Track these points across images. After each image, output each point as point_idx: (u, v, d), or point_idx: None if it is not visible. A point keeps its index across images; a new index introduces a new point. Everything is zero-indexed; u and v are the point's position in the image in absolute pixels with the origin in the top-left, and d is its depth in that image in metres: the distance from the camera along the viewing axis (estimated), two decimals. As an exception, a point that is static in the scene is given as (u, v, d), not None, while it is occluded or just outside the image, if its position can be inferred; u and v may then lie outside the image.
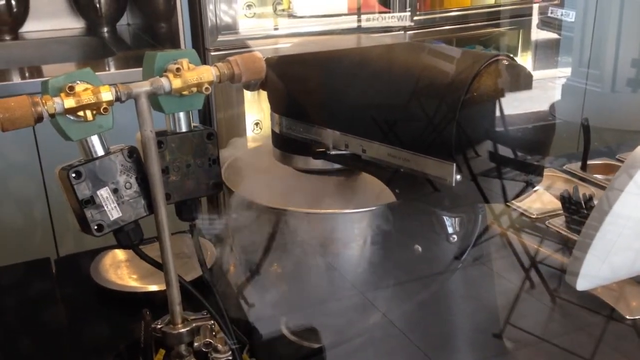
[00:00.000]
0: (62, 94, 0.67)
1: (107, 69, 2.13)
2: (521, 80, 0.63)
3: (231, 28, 2.06)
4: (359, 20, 2.32)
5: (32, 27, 2.45)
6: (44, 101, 0.65)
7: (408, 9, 2.30)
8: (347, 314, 0.85)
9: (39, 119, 0.65)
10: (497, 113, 0.60)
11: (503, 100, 0.60)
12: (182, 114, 0.77)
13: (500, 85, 0.60)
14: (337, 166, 0.81)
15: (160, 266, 0.76)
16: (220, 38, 2.04)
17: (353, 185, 0.84)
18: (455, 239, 0.69)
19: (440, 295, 0.86)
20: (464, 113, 0.60)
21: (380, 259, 0.76)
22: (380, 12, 2.34)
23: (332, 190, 0.86)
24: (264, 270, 0.84)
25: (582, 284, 0.81)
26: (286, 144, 0.81)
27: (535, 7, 3.20)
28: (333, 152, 0.73)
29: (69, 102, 0.67)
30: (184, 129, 0.77)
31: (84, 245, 1.12)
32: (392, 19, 2.30)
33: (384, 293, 0.79)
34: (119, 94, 0.69)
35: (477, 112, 0.61)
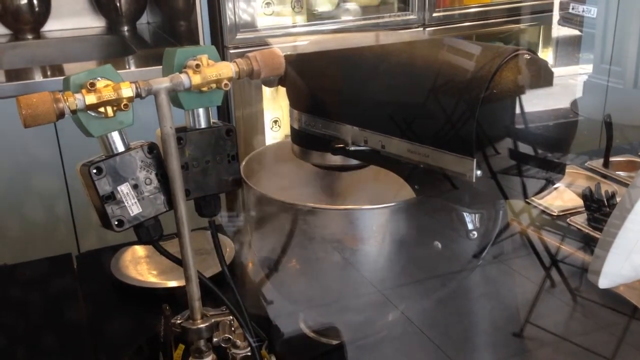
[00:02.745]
0: (84, 90, 0.67)
1: (127, 67, 2.14)
2: (542, 75, 0.62)
3: (250, 26, 2.06)
4: (377, 17, 2.32)
5: (53, 26, 2.47)
6: (65, 97, 0.66)
7: (418, 6, 2.29)
8: (366, 311, 0.85)
9: (61, 115, 0.66)
10: (518, 109, 0.60)
11: (524, 96, 0.59)
12: (201, 110, 0.77)
13: (522, 80, 0.59)
14: (355, 162, 0.80)
15: (180, 262, 0.77)
16: (239, 36, 2.04)
17: (371, 182, 0.84)
18: (475, 236, 0.68)
19: (460, 293, 0.85)
20: (484, 108, 0.60)
21: (399, 256, 0.76)
22: (399, 9, 2.33)
23: (350, 186, 0.86)
24: (282, 266, 0.84)
25: (604, 282, 0.80)
26: (305, 140, 0.81)
27: (556, 3, 3.18)
28: (352, 148, 0.73)
29: (90, 99, 0.67)
30: (203, 125, 0.78)
31: (105, 241, 1.13)
32: (411, 15, 2.29)
33: (403, 290, 0.79)
34: (139, 90, 0.69)
35: (497, 108, 0.60)
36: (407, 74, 0.68)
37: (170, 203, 0.76)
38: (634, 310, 0.96)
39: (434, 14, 2.27)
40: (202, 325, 0.78)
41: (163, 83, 0.71)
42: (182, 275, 0.96)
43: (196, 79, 0.71)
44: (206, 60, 0.73)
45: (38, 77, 1.97)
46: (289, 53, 0.76)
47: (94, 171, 0.71)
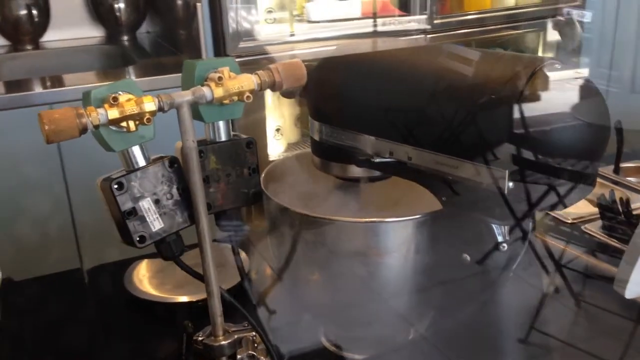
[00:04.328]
0: (106, 105, 0.66)
1: (127, 77, 2.13)
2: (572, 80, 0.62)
3: (252, 34, 2.05)
4: (375, 25, 2.31)
5: (52, 36, 2.46)
6: (88, 112, 0.65)
7: (425, 12, 2.29)
8: (389, 325, 0.84)
9: (84, 130, 0.65)
10: (550, 118, 0.59)
11: (554, 105, 0.58)
12: (221, 123, 0.76)
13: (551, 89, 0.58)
14: (377, 174, 0.79)
15: (201, 277, 0.76)
16: (242, 44, 2.03)
17: (393, 193, 0.83)
18: (506, 248, 0.67)
19: (464, 301, 0.84)
20: (516, 119, 0.59)
21: (424, 269, 0.75)
22: (399, 16, 2.33)
23: (371, 197, 0.85)
24: (304, 279, 0.83)
25: (631, 292, 0.79)
26: (326, 152, 0.80)
27: (553, 8, 3.18)
28: (377, 160, 0.72)
29: (113, 113, 0.66)
30: (223, 138, 0.77)
31: (109, 255, 1.12)
32: (412, 22, 2.29)
33: (429, 304, 0.78)
34: (161, 104, 0.68)
35: (530, 118, 0.59)
36: (436, 84, 0.67)
37: (192, 218, 0.74)
38: (639, 315, 0.96)
39: (436, 21, 2.27)
40: (224, 342, 0.77)
41: (185, 96, 0.70)
42: (198, 290, 0.95)
43: (218, 92, 0.70)
44: (227, 72, 0.72)
45: (38, 89, 1.95)
46: (309, 63, 0.75)
47: (115, 186, 0.70)
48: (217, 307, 0.76)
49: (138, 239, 0.72)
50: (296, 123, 2.32)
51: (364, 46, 0.83)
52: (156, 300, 0.99)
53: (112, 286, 1.05)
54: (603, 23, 3.40)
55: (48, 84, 2.06)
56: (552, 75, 0.64)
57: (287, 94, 0.76)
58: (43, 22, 2.40)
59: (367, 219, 0.74)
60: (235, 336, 0.78)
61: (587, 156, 0.62)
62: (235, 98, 0.72)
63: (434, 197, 0.77)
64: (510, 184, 0.61)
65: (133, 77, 2.14)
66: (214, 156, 0.75)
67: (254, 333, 0.79)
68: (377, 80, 0.73)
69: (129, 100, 0.67)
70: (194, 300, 0.97)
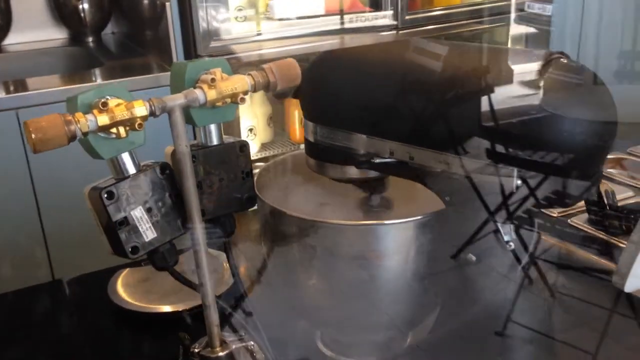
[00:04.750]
0: (95, 111, 0.63)
1: (94, 79, 2.08)
2: (583, 79, 0.61)
3: (223, 33, 2.02)
4: (343, 22, 2.29)
5: (14, 39, 2.39)
6: (76, 119, 0.61)
7: (391, 9, 2.28)
8: (388, 330, 0.82)
9: (73, 138, 0.62)
10: (561, 115, 0.58)
11: (564, 101, 0.57)
12: (213, 126, 0.73)
13: (562, 85, 0.57)
14: (373, 174, 0.78)
15: (196, 287, 0.73)
16: (213, 44, 2.00)
17: (390, 193, 0.82)
18: (512, 247, 0.66)
19: (440, 295, 0.82)
20: (524, 116, 0.58)
21: (428, 271, 0.73)
22: (370, 12, 2.32)
23: (367, 199, 0.83)
24: (300, 284, 0.80)
25: (630, 286, 0.79)
26: (321, 153, 0.78)
27: (513, 2, 3.21)
28: (377, 160, 0.70)
29: (103, 119, 0.63)
30: (214, 142, 0.74)
31: (82, 266, 1.08)
32: (380, 18, 2.28)
33: (431, 308, 0.76)
34: (153, 108, 0.65)
35: (539, 115, 0.58)
36: (438, 82, 0.65)
37: (185, 225, 0.71)
38: (615, 304, 0.96)
39: (407, 17, 2.27)
40: (222, 354, 0.74)
41: (177, 100, 0.67)
42: (187, 298, 0.92)
43: (211, 94, 0.68)
44: (220, 73, 0.69)
45: (1, 94, 1.88)
46: (302, 63, 0.73)
47: (105, 196, 0.67)
48: (213, 318, 0.74)
49: (130, 249, 0.69)
50: (269, 123, 2.29)
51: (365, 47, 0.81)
52: (144, 311, 0.95)
53: (96, 298, 1.01)
54: (564, 16, 3.45)
55: (11, 88, 1.99)
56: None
57: (279, 95, 0.73)
58: (4, 25, 2.32)
59: (368, 222, 0.72)
60: (233, 346, 0.75)
61: (596, 152, 0.61)
62: (229, 100, 0.69)
63: (430, 198, 0.76)
64: (518, 181, 0.59)
65: (100, 80, 2.09)
66: (207, 161, 0.73)
67: (252, 342, 0.76)
68: (375, 78, 0.71)
69: (118, 105, 0.64)
70: (184, 309, 0.94)
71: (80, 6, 2.38)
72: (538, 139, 0.59)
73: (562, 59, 0.60)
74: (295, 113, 2.26)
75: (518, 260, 0.69)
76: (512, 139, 0.62)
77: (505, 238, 0.66)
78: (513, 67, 0.60)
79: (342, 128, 0.73)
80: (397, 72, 0.70)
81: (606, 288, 0.95)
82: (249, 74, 0.70)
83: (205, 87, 0.67)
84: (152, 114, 0.65)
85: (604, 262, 1.02)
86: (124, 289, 1.01)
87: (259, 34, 2.16)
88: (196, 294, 0.73)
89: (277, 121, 2.35)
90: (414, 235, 0.73)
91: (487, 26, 2.72)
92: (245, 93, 0.69)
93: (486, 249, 0.75)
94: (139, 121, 0.64)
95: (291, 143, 2.30)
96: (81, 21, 2.40)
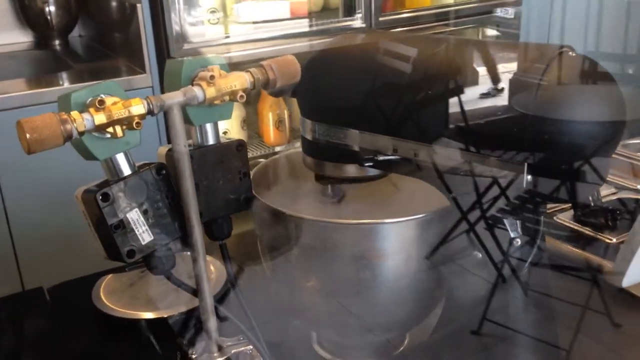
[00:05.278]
0: (92, 109, 0.60)
1: (61, 83, 2.03)
2: (591, 71, 0.60)
3: (197, 35, 1.99)
4: (322, 24, 2.29)
5: (-22, 42, 2.32)
6: (72, 118, 0.59)
7: (359, 11, 2.29)
8: (388, 331, 0.81)
9: (68, 137, 0.59)
10: (569, 108, 0.57)
11: (575, 94, 0.57)
12: (209, 126, 0.71)
13: (572, 77, 0.57)
14: (372, 173, 0.76)
15: (195, 292, 0.71)
16: (186, 46, 1.97)
17: (388, 192, 0.81)
18: (519, 243, 0.66)
19: (414, 296, 0.81)
20: (535, 109, 0.57)
21: (431, 269, 0.72)
22: (343, 15, 2.32)
23: (365, 198, 0.82)
24: (297, 284, 0.79)
25: (627, 282, 0.79)
26: (319, 151, 0.76)
27: (481, 5, 3.25)
28: (381, 158, 0.69)
29: (100, 118, 0.60)
30: (211, 142, 0.72)
31: (54, 274, 1.05)
32: (357, 20, 2.28)
33: (432, 309, 0.75)
34: (151, 106, 0.63)
35: (549, 108, 0.57)
36: (444, 76, 0.64)
37: (183, 228, 0.69)
38: (587, 300, 0.97)
39: (380, 19, 2.27)
40: (220, 359, 0.72)
41: (176, 98, 0.64)
42: (177, 302, 0.90)
43: (210, 92, 0.66)
44: (219, 70, 0.67)
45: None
46: (301, 60, 0.71)
47: (101, 198, 0.64)
48: (212, 323, 0.71)
49: (127, 253, 0.66)
50: (242, 126, 2.27)
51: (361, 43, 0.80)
52: (132, 318, 0.92)
53: (80, 305, 0.98)
54: (528, 19, 3.51)
55: (-24, 93, 1.92)
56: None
57: (277, 93, 0.72)
58: (-33, 28, 2.26)
59: (369, 221, 0.71)
60: (232, 351, 0.73)
61: (603, 146, 0.61)
62: (227, 98, 0.67)
63: (431, 196, 0.75)
64: (529, 177, 0.59)
65: (67, 84, 2.04)
66: (204, 161, 0.71)
67: (250, 347, 0.74)
68: (377, 74, 0.70)
69: (115, 103, 0.62)
70: (175, 314, 0.91)
71: (47, 9, 2.32)
72: (553, 132, 0.59)
73: (570, 53, 0.59)
74: (269, 116, 2.24)
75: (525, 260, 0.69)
76: (510, 137, 0.62)
77: (512, 235, 0.66)
78: (517, 59, 0.60)
79: (343, 125, 0.71)
80: (400, 67, 0.69)
81: (583, 285, 0.96)
82: (247, 71, 0.68)
83: (204, 84, 0.65)
84: (150, 112, 0.63)
85: (594, 259, 1.03)
86: (109, 296, 0.98)
87: (228, 37, 2.14)
88: (186, 298, 0.71)
89: (250, 124, 2.32)
90: (416, 234, 0.73)
91: (454, 28, 2.74)
92: (245, 90, 0.67)
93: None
94: (136, 120, 0.62)
95: (266, 146, 2.28)
96: (47, 24, 2.34)
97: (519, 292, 0.89)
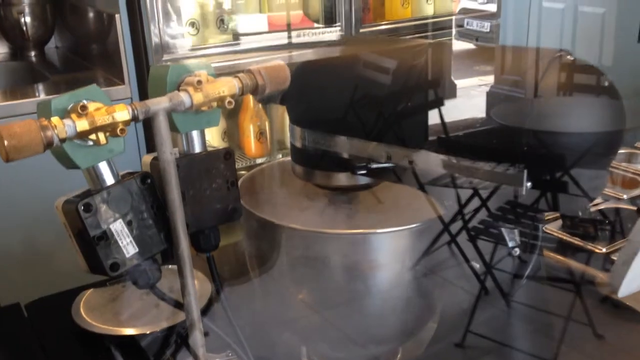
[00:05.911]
0: (73, 115, 0.58)
1: (37, 94, 1.99)
2: (589, 75, 0.59)
3: (176, 46, 1.97)
4: (303, 35, 2.28)
5: (-49, 54, 2.27)
6: (53, 124, 0.56)
7: (338, 23, 2.29)
8: (372, 343, 0.79)
9: (49, 144, 0.56)
10: (567, 113, 0.56)
11: (572, 98, 0.56)
12: (195, 133, 0.69)
13: (569, 81, 0.55)
14: (363, 182, 0.74)
15: (181, 306, 0.68)
16: (166, 57, 1.94)
17: (377, 201, 0.79)
18: (518, 253, 0.64)
19: (397, 307, 0.80)
20: (533, 113, 0.56)
21: (424, 281, 0.70)
22: (325, 26, 2.31)
23: (355, 207, 0.80)
24: (287, 297, 0.76)
25: (623, 292, 0.78)
26: (308, 160, 0.74)
27: (453, 18, 3.28)
28: (374, 166, 0.67)
29: (82, 124, 0.58)
30: (197, 150, 0.69)
31: (26, 290, 1.01)
32: (338, 32, 2.28)
33: (429, 322, 0.73)
34: (135, 112, 0.60)
35: (548, 112, 0.56)
36: (439, 82, 0.63)
37: (169, 239, 0.67)
38: (569, 312, 0.96)
39: (360, 30, 2.26)
40: (208, 375, 0.69)
41: (162, 103, 0.62)
42: (160, 317, 0.87)
43: (198, 97, 0.63)
44: (206, 76, 0.65)
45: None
46: (290, 65, 0.69)
47: (82, 208, 0.62)
48: (198, 338, 0.69)
49: (110, 266, 0.63)
50: (223, 138, 2.24)
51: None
52: (114, 334, 0.89)
53: (59, 321, 0.94)
54: (504, 31, 3.53)
55: (-50, 105, 1.87)
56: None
57: (265, 100, 0.69)
58: (-60, 39, 2.21)
59: (360, 231, 0.69)
60: (221, 368, 0.70)
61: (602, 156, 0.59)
62: (215, 104, 0.65)
63: (423, 205, 0.73)
64: (529, 184, 0.57)
65: (43, 95, 2.01)
66: (189, 170, 0.68)
67: (239, 363, 0.72)
68: (369, 80, 0.68)
69: (98, 109, 0.59)
70: (159, 329, 0.88)
71: (22, 19, 2.28)
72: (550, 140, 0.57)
73: (568, 57, 0.58)
74: (250, 127, 2.22)
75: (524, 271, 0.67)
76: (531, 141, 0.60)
77: (510, 244, 0.64)
78: (511, 63, 0.58)
79: (333, 132, 0.69)
80: (396, 73, 0.67)
81: (567, 296, 0.94)
82: (236, 77, 0.66)
83: (190, 89, 0.63)
84: (134, 118, 0.61)
85: (584, 269, 1.02)
86: (90, 312, 0.94)
87: (207, 48, 2.12)
88: (169, 313, 0.68)
89: (230, 136, 2.29)
90: (408, 243, 0.71)
91: (431, 41, 2.75)
92: (233, 96, 0.65)
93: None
94: (120, 126, 0.60)
95: (247, 158, 2.25)
96: (23, 35, 2.30)
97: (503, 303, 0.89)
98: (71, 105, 0.59)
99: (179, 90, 0.64)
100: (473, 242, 1.09)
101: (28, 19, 2.29)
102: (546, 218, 1.18)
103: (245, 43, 2.20)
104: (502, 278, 0.99)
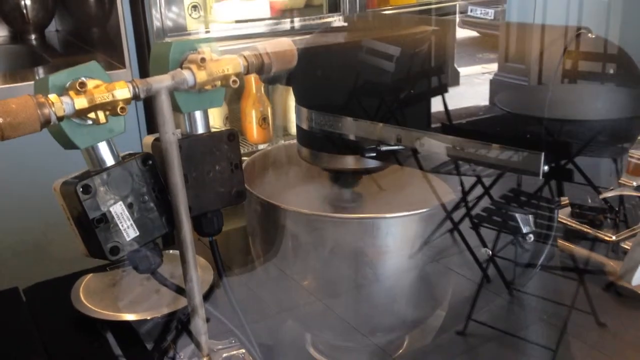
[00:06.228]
0: (72, 92, 0.55)
1: (37, 77, 1.96)
2: (610, 53, 0.57)
3: (178, 30, 1.94)
4: (306, 20, 2.25)
5: (-49, 36, 2.24)
6: (51, 101, 0.54)
7: (337, 13, 2.27)
8: (387, 333, 0.77)
9: (46, 122, 0.54)
10: (587, 92, 0.54)
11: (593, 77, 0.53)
12: (198, 113, 0.67)
13: (590, 60, 0.53)
14: (371, 165, 0.72)
15: (183, 292, 0.66)
16: (167, 40, 1.91)
17: (387, 185, 0.76)
18: (532, 239, 0.62)
19: (399, 296, 0.78)
20: (552, 94, 0.53)
21: (435, 267, 0.68)
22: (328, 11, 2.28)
23: (362, 190, 0.78)
24: (291, 283, 0.74)
25: (638, 280, 0.77)
26: (315, 142, 0.72)
27: (457, 5, 3.24)
28: (384, 148, 0.65)
29: (81, 102, 0.55)
30: (200, 131, 0.67)
31: (28, 275, 0.99)
32: (340, 17, 2.25)
33: (438, 309, 0.71)
34: (136, 90, 0.58)
35: (568, 92, 0.54)
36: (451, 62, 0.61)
37: (170, 223, 0.64)
38: (573, 300, 0.94)
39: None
40: (210, 363, 0.68)
41: (164, 81, 0.60)
42: (160, 303, 0.85)
43: (201, 76, 0.61)
44: (210, 53, 0.62)
45: (-63, 94, 1.75)
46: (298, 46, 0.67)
47: (81, 190, 0.59)
48: (200, 326, 0.67)
49: (110, 250, 0.61)
50: (225, 123, 2.21)
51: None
52: (114, 320, 0.87)
53: (58, 306, 0.92)
54: (508, 20, 3.49)
55: (-51, 88, 1.85)
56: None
57: (272, 80, 0.67)
58: (-61, 21, 2.18)
59: (370, 215, 0.67)
60: (223, 355, 0.69)
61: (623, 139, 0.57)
62: (218, 83, 0.63)
63: (432, 190, 0.71)
64: (546, 167, 0.55)
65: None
66: (192, 151, 0.66)
67: (243, 350, 0.70)
68: (379, 61, 0.66)
69: (97, 86, 0.57)
70: (160, 315, 0.86)
71: (22, 2, 2.25)
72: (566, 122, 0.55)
73: (589, 34, 0.56)
74: (252, 113, 2.19)
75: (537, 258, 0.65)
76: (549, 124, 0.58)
77: (525, 230, 0.62)
78: (532, 40, 0.56)
79: (341, 113, 0.67)
80: (408, 51, 0.65)
81: (571, 284, 0.93)
82: (241, 55, 0.64)
83: (194, 67, 0.61)
84: (135, 97, 0.58)
85: (594, 257, 1.00)
86: (90, 297, 0.93)
87: (209, 32, 2.09)
88: (170, 299, 0.66)
89: (232, 121, 2.27)
90: (417, 229, 0.68)
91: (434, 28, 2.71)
92: (238, 75, 0.63)
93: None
94: (121, 104, 0.57)
95: (249, 144, 2.22)
96: (23, 18, 2.27)
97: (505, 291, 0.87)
98: (70, 82, 0.56)
99: (181, 68, 0.61)
100: (476, 230, 1.08)
101: (28, 2, 2.26)
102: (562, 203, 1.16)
103: (247, 28, 2.17)
104: (504, 265, 0.97)
